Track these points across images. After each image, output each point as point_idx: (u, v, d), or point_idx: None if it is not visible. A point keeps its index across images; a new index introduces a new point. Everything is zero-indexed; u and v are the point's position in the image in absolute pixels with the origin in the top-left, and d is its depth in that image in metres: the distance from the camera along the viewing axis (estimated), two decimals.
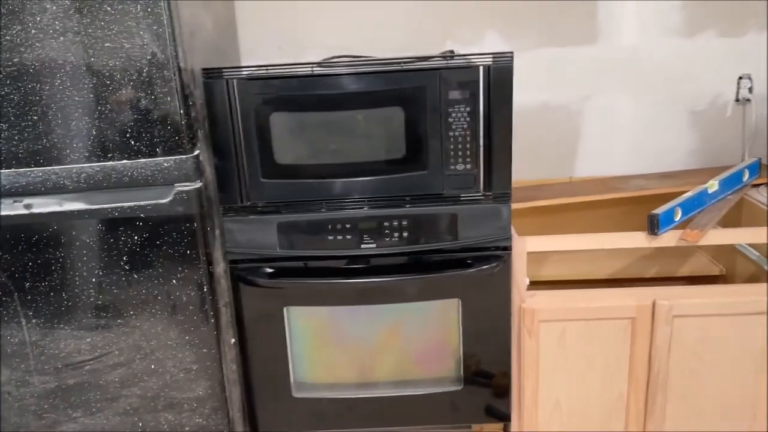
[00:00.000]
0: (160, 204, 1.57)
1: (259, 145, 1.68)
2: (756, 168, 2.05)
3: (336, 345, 1.89)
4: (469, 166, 1.70)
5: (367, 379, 1.92)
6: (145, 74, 1.48)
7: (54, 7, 1.43)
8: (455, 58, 1.67)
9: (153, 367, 1.68)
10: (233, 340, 1.82)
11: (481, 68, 1.63)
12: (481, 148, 1.69)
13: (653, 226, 1.75)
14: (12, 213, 1.55)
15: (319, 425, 1.92)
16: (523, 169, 2.33)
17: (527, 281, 1.83)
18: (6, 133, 1.50)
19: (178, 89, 1.50)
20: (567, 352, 1.87)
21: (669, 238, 1.77)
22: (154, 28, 1.45)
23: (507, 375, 1.89)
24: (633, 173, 2.29)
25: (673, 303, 1.80)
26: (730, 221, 2.12)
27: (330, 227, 1.74)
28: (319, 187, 1.73)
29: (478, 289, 1.80)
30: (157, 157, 1.54)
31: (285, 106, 1.66)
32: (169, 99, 1.50)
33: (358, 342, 1.89)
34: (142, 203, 1.56)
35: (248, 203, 1.73)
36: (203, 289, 1.63)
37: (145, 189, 1.56)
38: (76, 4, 1.43)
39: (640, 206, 1.91)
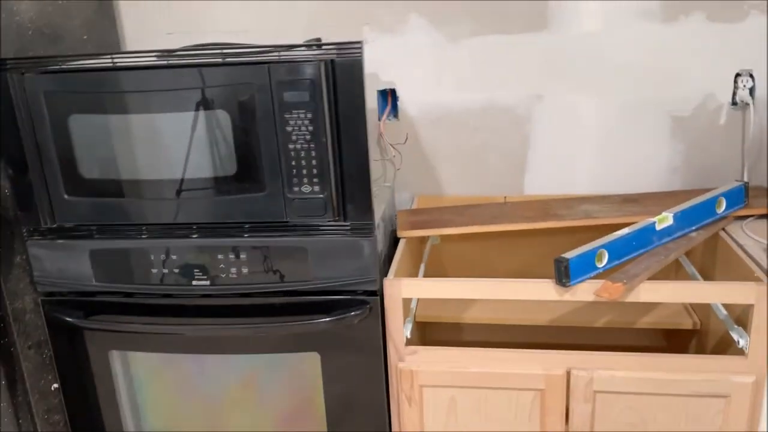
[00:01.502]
0: None
1: (59, 154, 1.35)
2: (739, 195, 1.55)
3: (182, 398, 1.56)
4: (316, 189, 1.32)
5: None
6: None
7: None
8: (290, 48, 1.28)
9: None
10: (55, 386, 1.52)
11: (322, 64, 1.24)
12: (331, 167, 1.30)
13: (561, 274, 1.31)
14: None
15: None
16: (460, 184, 1.93)
17: (407, 334, 1.44)
18: None
19: None
20: (459, 426, 1.46)
21: (586, 291, 1.33)
22: None
23: None
24: (597, 192, 1.83)
25: (593, 375, 1.36)
26: (706, 265, 1.64)
27: (153, 258, 1.41)
28: (136, 208, 1.39)
29: (340, 341, 1.42)
30: None
31: (86, 107, 1.32)
32: None
33: (206, 397, 1.54)
34: None
35: (54, 225, 1.41)
36: None
37: None
38: None
39: (593, 234, 1.46)
